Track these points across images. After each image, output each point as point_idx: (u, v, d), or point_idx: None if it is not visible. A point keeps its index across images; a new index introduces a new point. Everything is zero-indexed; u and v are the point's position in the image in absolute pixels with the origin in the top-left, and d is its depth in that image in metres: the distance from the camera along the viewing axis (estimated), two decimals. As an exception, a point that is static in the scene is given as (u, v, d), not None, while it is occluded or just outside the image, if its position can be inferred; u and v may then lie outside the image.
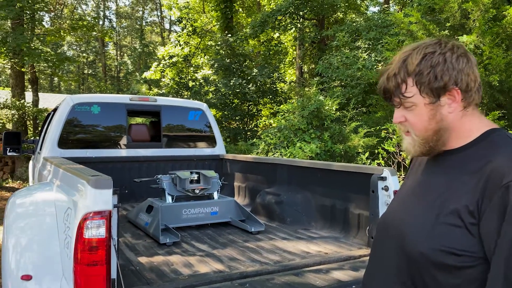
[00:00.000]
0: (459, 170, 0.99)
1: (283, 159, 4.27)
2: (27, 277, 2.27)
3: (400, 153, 5.50)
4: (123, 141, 4.69)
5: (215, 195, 3.81)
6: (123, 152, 4.69)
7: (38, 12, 11.34)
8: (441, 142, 1.05)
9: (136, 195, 4.59)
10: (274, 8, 13.17)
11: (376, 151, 5.59)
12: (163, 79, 15.88)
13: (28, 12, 10.47)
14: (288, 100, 12.36)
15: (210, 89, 12.76)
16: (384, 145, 5.44)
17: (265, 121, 12.46)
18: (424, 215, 1.00)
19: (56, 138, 4.25)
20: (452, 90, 1.01)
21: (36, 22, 11.45)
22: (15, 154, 5.45)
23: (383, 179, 2.82)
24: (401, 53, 1.07)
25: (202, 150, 5.12)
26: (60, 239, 2.31)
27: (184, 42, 15.28)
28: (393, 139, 5.46)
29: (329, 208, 3.43)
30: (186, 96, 12.82)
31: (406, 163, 5.43)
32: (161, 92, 13.88)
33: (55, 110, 4.82)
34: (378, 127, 5.78)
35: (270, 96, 12.90)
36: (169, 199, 3.61)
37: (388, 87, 1.07)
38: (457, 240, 0.92)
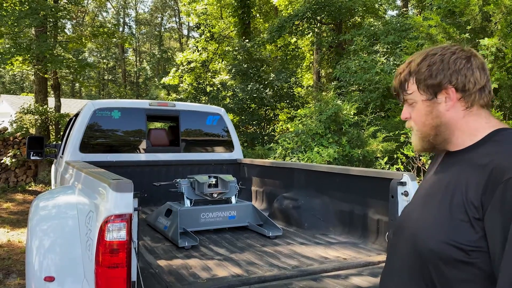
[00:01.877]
0: (466, 168, 1.02)
1: (300, 164, 4.26)
2: (50, 279, 2.33)
3: (420, 158, 5.42)
4: (143, 145, 4.76)
5: (233, 199, 3.83)
6: (142, 156, 4.76)
7: (61, 20, 11.64)
8: (441, 138, 1.11)
9: (155, 198, 4.64)
10: (292, 13, 13.19)
11: (395, 156, 5.52)
12: (181, 84, 16.06)
13: (51, 20, 10.76)
14: (306, 105, 12.32)
15: (228, 94, 12.84)
16: (403, 150, 5.37)
17: (282, 126, 12.46)
18: (434, 212, 1.03)
19: (78, 143, 4.35)
20: (447, 88, 1.07)
21: (59, 30, 11.75)
22: (38, 158, 5.57)
23: (403, 184, 2.78)
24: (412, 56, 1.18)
25: (219, 154, 5.15)
26: (82, 242, 2.36)
27: (202, 48, 15.43)
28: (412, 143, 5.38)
29: (348, 213, 3.40)
30: (204, 101, 12.93)
31: (426, 167, 5.34)
32: (179, 97, 14.03)
33: (76, 115, 4.92)
34: (397, 132, 5.71)
35: (287, 101, 12.90)
36: (187, 203, 3.64)
37: (395, 85, 1.19)
38: (464, 235, 0.94)
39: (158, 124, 11.26)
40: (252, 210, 3.74)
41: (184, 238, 3.16)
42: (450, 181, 1.04)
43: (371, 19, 13.47)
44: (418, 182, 5.37)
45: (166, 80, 16.77)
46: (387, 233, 2.94)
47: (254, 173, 4.81)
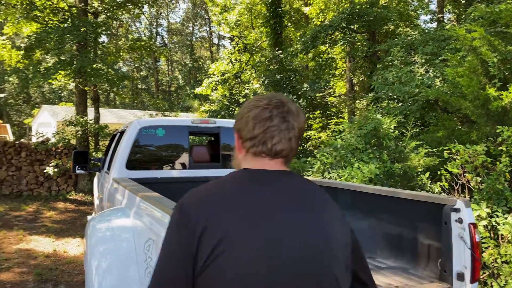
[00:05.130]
0: None
1: (344, 183, 4.22)
2: (110, 301, 2.42)
3: (465, 174, 5.26)
4: (185, 162, 4.86)
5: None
6: (185, 173, 4.86)
7: (101, 35, 12.07)
8: None
9: None
10: (326, 23, 13.15)
11: (439, 172, 5.38)
12: (212, 94, 16.27)
13: (92, 36, 11.19)
14: (339, 115, 12.20)
15: (261, 105, 12.87)
16: (447, 166, 5.23)
17: (314, 135, 12.38)
18: None
19: (125, 160, 4.48)
20: (235, 132, 1.24)
21: (100, 45, 12.18)
22: (83, 172, 5.80)
23: (457, 210, 2.71)
24: None
25: (259, 170, 5.18)
26: (140, 266, 2.43)
27: (236, 60, 15.59)
28: (456, 160, 5.24)
29: (396, 236, 3.34)
30: (237, 112, 13.03)
31: (472, 185, 5.19)
32: (213, 109, 14.21)
33: (122, 132, 5.09)
34: (441, 148, 5.55)
35: (321, 111, 12.83)
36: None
37: None
38: None
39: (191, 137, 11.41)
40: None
41: None
42: None
43: (408, 29, 13.24)
44: (472, 206, 5.22)
45: (199, 90, 17.04)
46: (439, 260, 2.87)
47: (295, 190, 4.80)
